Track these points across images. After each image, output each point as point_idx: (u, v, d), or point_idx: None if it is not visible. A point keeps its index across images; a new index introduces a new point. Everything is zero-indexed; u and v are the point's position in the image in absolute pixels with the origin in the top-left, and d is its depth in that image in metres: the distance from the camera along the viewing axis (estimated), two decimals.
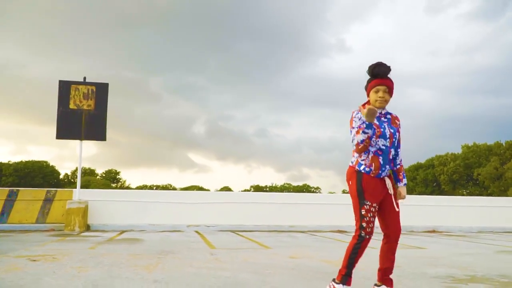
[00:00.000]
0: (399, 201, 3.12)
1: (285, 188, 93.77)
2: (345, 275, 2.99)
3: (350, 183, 3.07)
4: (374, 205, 2.98)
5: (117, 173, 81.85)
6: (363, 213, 2.96)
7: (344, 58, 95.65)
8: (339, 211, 11.18)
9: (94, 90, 10.33)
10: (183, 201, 11.34)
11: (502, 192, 63.16)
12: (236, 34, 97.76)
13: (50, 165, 73.00)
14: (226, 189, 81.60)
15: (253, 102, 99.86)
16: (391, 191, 3.06)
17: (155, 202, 11.11)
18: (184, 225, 10.63)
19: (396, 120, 3.16)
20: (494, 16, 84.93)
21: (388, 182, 3.06)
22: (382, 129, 3.02)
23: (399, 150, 3.17)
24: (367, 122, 2.89)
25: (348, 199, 3.54)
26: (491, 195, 59.79)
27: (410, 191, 71.60)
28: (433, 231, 11.65)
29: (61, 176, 76.36)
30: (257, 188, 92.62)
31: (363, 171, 3.02)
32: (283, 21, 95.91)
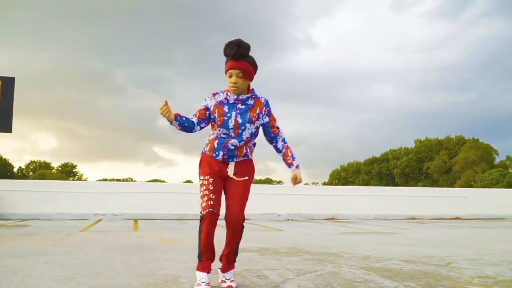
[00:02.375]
0: (300, 185, 2.94)
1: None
2: (198, 259, 2.88)
3: None
4: (207, 177, 2.81)
5: (74, 166, 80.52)
6: (200, 189, 2.86)
7: (311, 53, 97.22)
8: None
9: (0, 84, 10.63)
10: (94, 191, 11.80)
11: (451, 185, 65.97)
12: (205, 28, 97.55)
13: (3, 158, 71.12)
14: (189, 182, 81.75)
15: None
16: (230, 174, 2.85)
17: (64, 192, 11.52)
18: (92, 214, 11.10)
19: (258, 107, 2.87)
20: (456, 14, 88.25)
21: (230, 165, 2.86)
22: (226, 118, 2.79)
23: (278, 138, 2.99)
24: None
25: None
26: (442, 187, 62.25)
27: (366, 184, 73.88)
28: (332, 219, 12.56)
29: (15, 169, 74.50)
30: None
31: (203, 151, 2.96)
32: (252, 15, 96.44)
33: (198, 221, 2.86)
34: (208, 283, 2.75)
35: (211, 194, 2.77)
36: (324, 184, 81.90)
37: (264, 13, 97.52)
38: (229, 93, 2.82)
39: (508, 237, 7.26)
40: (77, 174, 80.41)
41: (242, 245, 3.23)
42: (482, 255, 4.64)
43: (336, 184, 78.54)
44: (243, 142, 2.85)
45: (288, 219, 12.10)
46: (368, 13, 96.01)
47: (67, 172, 78.46)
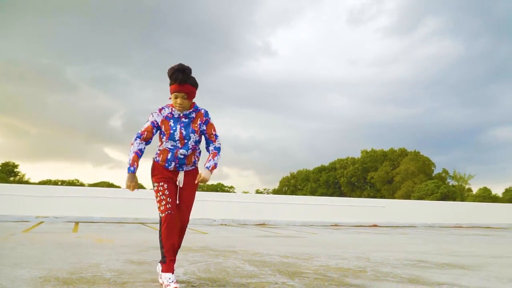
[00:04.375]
0: (201, 180, 3.26)
1: (200, 187, 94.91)
2: (162, 261, 3.20)
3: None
4: (161, 183, 3.21)
5: (15, 166, 77.78)
6: (156, 195, 3.21)
7: (269, 61, 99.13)
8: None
9: None
10: (36, 194, 12.51)
11: (392, 194, 69.49)
12: (164, 30, 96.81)
13: None
14: (138, 186, 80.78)
15: None
16: (180, 184, 3.27)
17: (7, 195, 12.17)
18: (33, 216, 11.82)
19: (199, 119, 3.29)
20: (409, 32, 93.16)
21: (180, 175, 3.28)
22: (172, 131, 3.21)
23: (211, 144, 3.36)
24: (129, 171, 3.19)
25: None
26: (384, 197, 65.52)
27: (313, 192, 76.52)
28: (263, 224, 13.89)
29: None
30: None
31: (155, 159, 3.32)
32: (212, 20, 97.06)
33: (158, 225, 3.46)
34: (175, 281, 3.10)
35: (168, 198, 3.17)
36: (274, 190, 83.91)
37: (224, 19, 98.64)
38: (173, 109, 3.26)
39: (392, 242, 8.80)
40: (19, 174, 77.74)
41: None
42: (345, 253, 6.04)
43: (285, 191, 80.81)
44: (191, 150, 3.27)
45: (222, 224, 13.31)
46: (326, 25, 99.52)
47: (7, 171, 75.71)
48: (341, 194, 74.96)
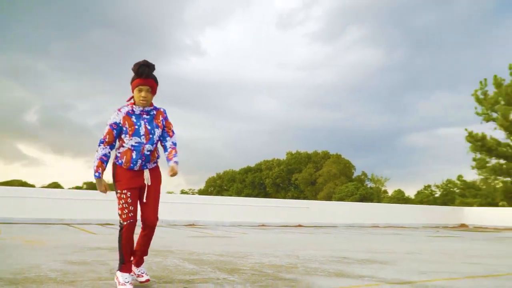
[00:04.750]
0: (172, 174, 3.28)
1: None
2: (120, 263, 3.27)
3: (111, 176, 3.36)
4: (124, 191, 3.21)
5: None
6: (118, 201, 3.22)
7: (198, 61, 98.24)
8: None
9: None
10: None
11: (314, 196, 72.20)
12: (88, 22, 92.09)
13: None
14: (55, 185, 76.60)
15: (99, 95, 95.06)
16: (147, 182, 3.31)
17: None
18: None
19: (160, 116, 3.38)
20: (335, 39, 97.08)
21: (146, 173, 3.31)
22: (136, 127, 3.24)
23: (168, 138, 3.40)
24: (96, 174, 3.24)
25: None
26: (307, 198, 67.83)
27: (239, 193, 77.38)
28: (193, 225, 14.06)
29: None
30: (91, 185, 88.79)
31: (117, 163, 3.30)
32: (141, 16, 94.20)
33: (118, 230, 3.31)
34: (131, 282, 3.21)
35: (130, 207, 3.21)
36: (200, 191, 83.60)
37: (154, 15, 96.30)
38: (134, 106, 3.29)
39: (318, 241, 9.43)
40: None
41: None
42: (276, 251, 6.47)
43: (211, 192, 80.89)
44: (155, 145, 3.33)
45: None
46: (256, 28, 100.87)
47: None
48: (266, 195, 76.45)
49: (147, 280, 3.37)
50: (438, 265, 5.34)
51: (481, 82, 28.09)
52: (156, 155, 3.39)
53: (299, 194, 75.58)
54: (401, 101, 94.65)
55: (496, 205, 29.61)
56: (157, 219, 3.35)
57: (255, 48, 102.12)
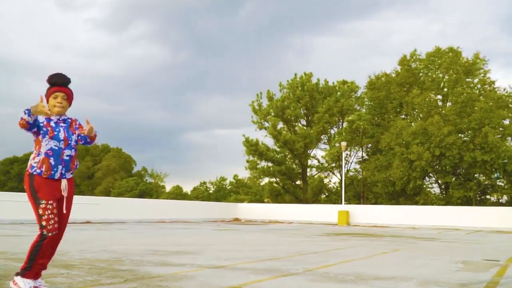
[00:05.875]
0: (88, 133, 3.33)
1: None
2: (25, 269, 3.16)
3: (25, 187, 3.23)
4: (50, 202, 3.17)
5: None
6: (40, 212, 3.13)
7: None
8: None
9: None
10: None
11: (91, 191, 69.12)
12: None
13: None
14: None
15: None
16: (64, 193, 3.28)
17: None
18: None
19: (74, 124, 3.42)
20: (120, 30, 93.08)
21: (63, 184, 3.27)
22: (56, 132, 3.25)
23: (84, 136, 3.42)
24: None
25: None
26: (83, 193, 64.28)
27: (2, 187, 67.93)
28: (88, 222, 12.43)
29: None
30: None
31: (35, 173, 3.20)
32: None
33: (37, 236, 3.15)
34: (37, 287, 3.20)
35: (55, 218, 3.17)
36: None
37: None
38: (51, 116, 3.25)
39: (119, 236, 9.84)
40: None
41: None
42: (92, 247, 6.78)
43: None
44: (74, 151, 3.34)
45: None
46: (30, 2, 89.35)
47: None
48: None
49: None
50: (236, 253, 6.66)
51: (257, 95, 32.51)
52: (75, 163, 3.42)
53: (75, 188, 71.15)
54: (182, 100, 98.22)
55: (262, 201, 34.59)
56: (63, 232, 3.37)
57: (29, 25, 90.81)
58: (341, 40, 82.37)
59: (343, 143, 24.21)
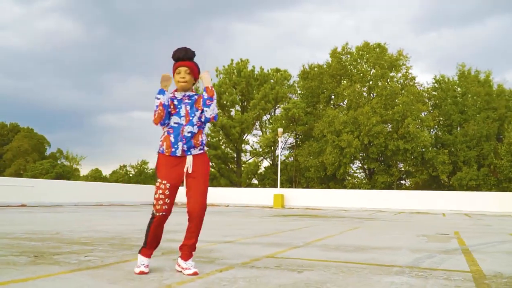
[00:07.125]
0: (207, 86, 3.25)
1: None
2: (143, 245, 3.21)
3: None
4: (164, 182, 3.12)
5: None
6: (154, 190, 3.15)
7: None
8: None
9: None
10: None
11: (1, 173, 64.12)
12: None
13: None
14: None
15: None
16: (189, 170, 3.16)
17: None
18: None
19: (201, 98, 3.25)
20: (27, 0, 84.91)
21: (188, 160, 3.17)
22: (177, 109, 3.21)
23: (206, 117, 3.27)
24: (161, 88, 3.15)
25: None
26: None
27: None
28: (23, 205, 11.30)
29: None
30: None
31: (159, 151, 3.21)
32: None
33: (150, 216, 3.16)
34: (147, 265, 3.19)
35: (166, 199, 3.12)
36: None
37: None
38: (176, 92, 3.30)
39: (74, 218, 9.63)
40: None
41: None
42: (76, 228, 6.70)
43: None
44: (196, 127, 3.22)
45: None
46: None
47: None
48: None
49: (195, 273, 3.15)
50: (216, 231, 6.95)
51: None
52: (200, 139, 3.28)
53: None
54: (97, 80, 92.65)
55: None
56: (204, 208, 3.20)
57: None
58: (263, 29, 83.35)
59: (280, 129, 25.10)
